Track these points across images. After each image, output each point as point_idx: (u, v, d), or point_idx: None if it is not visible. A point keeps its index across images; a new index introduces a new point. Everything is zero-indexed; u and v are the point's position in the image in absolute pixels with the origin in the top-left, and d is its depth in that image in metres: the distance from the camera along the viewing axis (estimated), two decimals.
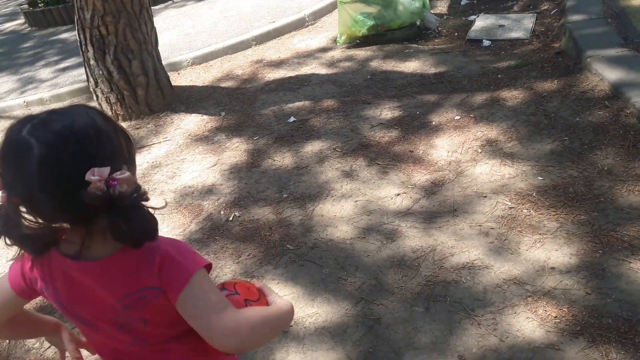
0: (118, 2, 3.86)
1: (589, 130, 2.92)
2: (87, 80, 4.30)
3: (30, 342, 2.37)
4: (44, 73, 5.95)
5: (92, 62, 4.11)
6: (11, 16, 9.50)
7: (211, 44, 5.45)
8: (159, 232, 0.94)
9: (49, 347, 2.32)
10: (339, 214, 2.71)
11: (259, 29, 5.52)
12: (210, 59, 5.27)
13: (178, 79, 4.91)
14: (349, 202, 2.78)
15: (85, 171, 0.83)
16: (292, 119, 3.73)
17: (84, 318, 1.02)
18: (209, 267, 0.98)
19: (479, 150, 2.96)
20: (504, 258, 2.23)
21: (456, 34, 4.62)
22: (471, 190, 2.67)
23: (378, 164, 3.04)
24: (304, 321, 2.14)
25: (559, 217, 2.38)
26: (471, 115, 3.31)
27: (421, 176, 2.86)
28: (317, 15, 5.76)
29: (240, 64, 4.97)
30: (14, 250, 0.97)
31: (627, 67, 3.24)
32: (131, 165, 0.96)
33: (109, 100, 4.22)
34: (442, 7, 5.24)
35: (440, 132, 3.22)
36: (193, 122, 3.99)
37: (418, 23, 4.62)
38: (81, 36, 4.07)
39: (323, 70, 4.43)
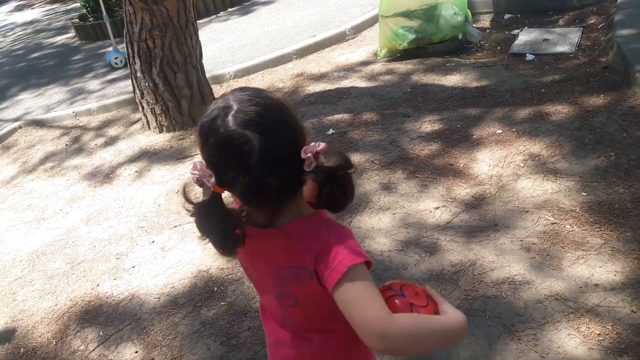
0: (165, 16, 4.02)
1: (636, 146, 2.84)
2: (134, 91, 4.47)
3: (76, 344, 2.47)
4: (92, 85, 6.22)
5: (138, 74, 4.27)
6: (62, 30, 9.97)
7: (253, 57, 5.58)
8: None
9: (93, 350, 2.41)
10: (376, 226, 2.72)
11: (300, 43, 5.62)
12: (252, 72, 5.40)
13: (221, 92, 5.04)
14: (387, 215, 2.78)
15: (294, 148, 0.92)
16: (331, 131, 3.77)
17: (256, 279, 1.14)
18: (369, 264, 0.96)
19: (522, 165, 2.92)
20: (545, 274, 2.19)
21: (499, 47, 4.58)
22: (513, 205, 2.63)
23: (417, 176, 3.04)
24: None
25: (603, 233, 2.32)
26: (513, 130, 3.27)
27: (461, 190, 2.84)
28: (358, 29, 5.82)
29: (281, 77, 5.06)
30: None
31: None
32: (306, 134, 1.01)
33: (154, 111, 4.37)
34: (484, 21, 5.21)
35: (482, 146, 3.19)
36: None
37: (460, 37, 4.61)
38: (129, 49, 4.24)
39: (363, 84, 4.46)
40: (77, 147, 4.72)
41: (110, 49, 6.76)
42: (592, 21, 4.59)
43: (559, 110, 3.35)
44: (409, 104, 3.90)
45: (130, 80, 4.51)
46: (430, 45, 4.61)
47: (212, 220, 1.00)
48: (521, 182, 2.79)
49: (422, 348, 1.09)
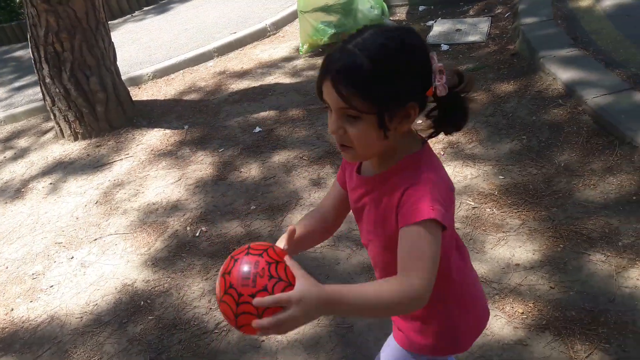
0: (73, 18, 3.79)
1: (545, 128, 3.01)
2: (44, 98, 4.20)
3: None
4: None
5: (47, 80, 4.01)
6: None
7: (172, 56, 5.39)
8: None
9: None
10: None
11: (220, 40, 5.49)
12: (172, 72, 5.22)
13: (139, 94, 4.84)
14: None
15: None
16: (257, 129, 3.72)
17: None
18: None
19: (442, 153, 3.01)
20: (470, 257, 2.26)
21: None
22: None
23: None
24: (277, 336, 2.12)
25: (520, 214, 2.44)
26: None
27: None
28: (279, 25, 5.77)
29: (202, 76, 4.93)
30: None
31: (578, 66, 3.36)
32: None
33: (67, 118, 4.12)
34: (400, 14, 5.32)
35: None
36: (155, 137, 3.93)
37: None
38: (35, 54, 3.97)
39: (287, 80, 4.43)
40: None
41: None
42: (499, 11, 4.81)
43: (474, 97, 3.48)
44: None
45: (39, 87, 4.23)
46: None
47: None
48: None
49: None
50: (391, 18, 5.06)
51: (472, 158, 2.91)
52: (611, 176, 2.55)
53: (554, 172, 2.66)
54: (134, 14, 7.88)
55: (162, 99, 4.62)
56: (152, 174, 3.47)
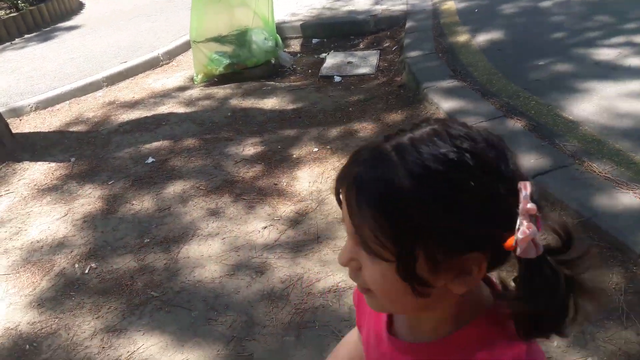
0: None
1: None
2: None
3: None
4: None
5: None
6: None
7: (57, 86, 5.09)
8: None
9: None
10: (206, 253, 2.66)
11: (110, 70, 5.29)
12: (57, 103, 4.92)
13: (20, 126, 4.50)
14: (216, 240, 2.74)
15: None
16: (150, 159, 3.61)
17: None
18: None
19: None
20: None
21: (310, 71, 4.87)
22: (332, 217, 2.79)
23: (244, 199, 3.06)
24: None
25: None
26: (328, 147, 3.48)
27: (286, 207, 2.93)
28: (172, 54, 5.69)
29: (90, 107, 4.70)
30: None
31: (458, 96, 3.68)
32: None
33: None
34: (295, 46, 5.50)
35: (301, 164, 3.34)
36: (39, 171, 3.66)
37: (273, 61, 4.79)
38: None
39: (182, 109, 4.37)
40: None
41: None
42: (387, 44, 5.15)
43: (365, 127, 3.68)
44: (230, 128, 3.92)
45: None
46: (245, 69, 4.71)
47: None
48: None
49: None
50: (286, 50, 5.21)
51: None
52: None
53: None
54: (13, 42, 7.35)
55: (46, 130, 4.33)
56: (36, 210, 3.22)
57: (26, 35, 7.55)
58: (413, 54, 4.47)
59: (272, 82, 4.68)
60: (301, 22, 5.65)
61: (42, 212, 3.19)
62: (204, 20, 4.58)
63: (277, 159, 3.43)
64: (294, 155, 3.45)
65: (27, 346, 2.26)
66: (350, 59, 4.85)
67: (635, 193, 2.42)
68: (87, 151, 3.86)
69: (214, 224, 2.88)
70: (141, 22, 6.95)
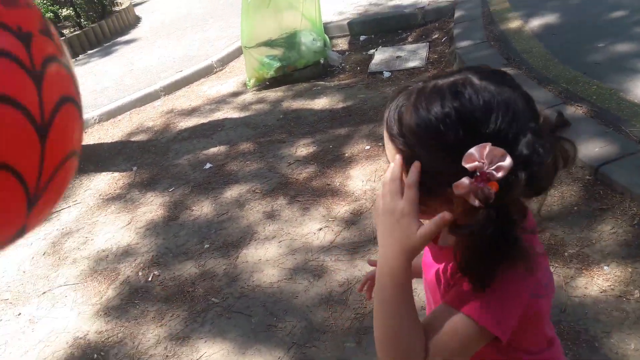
0: None
1: None
2: None
3: None
4: None
5: None
6: None
7: (118, 98, 5.32)
8: None
9: None
10: (264, 257, 2.69)
11: (167, 79, 5.47)
12: (118, 114, 5.14)
13: (85, 138, 4.73)
14: (273, 244, 2.77)
15: None
16: (208, 165, 3.69)
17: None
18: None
19: None
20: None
21: (358, 68, 4.82)
22: None
23: (298, 200, 3.07)
24: None
25: None
26: (380, 144, 3.43)
27: (340, 208, 2.91)
28: (225, 61, 5.81)
29: (150, 116, 4.88)
30: None
31: None
32: None
33: None
34: (342, 45, 5.47)
35: (354, 163, 3.31)
36: (103, 181, 3.84)
37: (322, 61, 4.79)
38: None
39: (236, 114, 4.44)
40: None
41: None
42: (435, 36, 5.02)
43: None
44: (283, 130, 3.95)
45: None
46: (295, 71, 4.73)
47: None
48: None
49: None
50: (334, 49, 5.19)
51: None
52: (552, 189, 2.65)
53: None
54: (77, 58, 7.75)
55: (109, 141, 4.53)
56: (101, 220, 3.37)
57: (88, 51, 7.93)
58: (464, 43, 4.33)
59: (321, 82, 4.68)
60: (348, 20, 5.61)
61: (107, 221, 3.34)
62: (254, 25, 4.63)
63: (330, 159, 3.42)
64: (346, 154, 3.43)
65: (95, 355, 2.36)
66: (399, 54, 4.76)
67: None
68: (148, 159, 4.00)
69: (270, 227, 2.90)
70: (194, 31, 7.14)
